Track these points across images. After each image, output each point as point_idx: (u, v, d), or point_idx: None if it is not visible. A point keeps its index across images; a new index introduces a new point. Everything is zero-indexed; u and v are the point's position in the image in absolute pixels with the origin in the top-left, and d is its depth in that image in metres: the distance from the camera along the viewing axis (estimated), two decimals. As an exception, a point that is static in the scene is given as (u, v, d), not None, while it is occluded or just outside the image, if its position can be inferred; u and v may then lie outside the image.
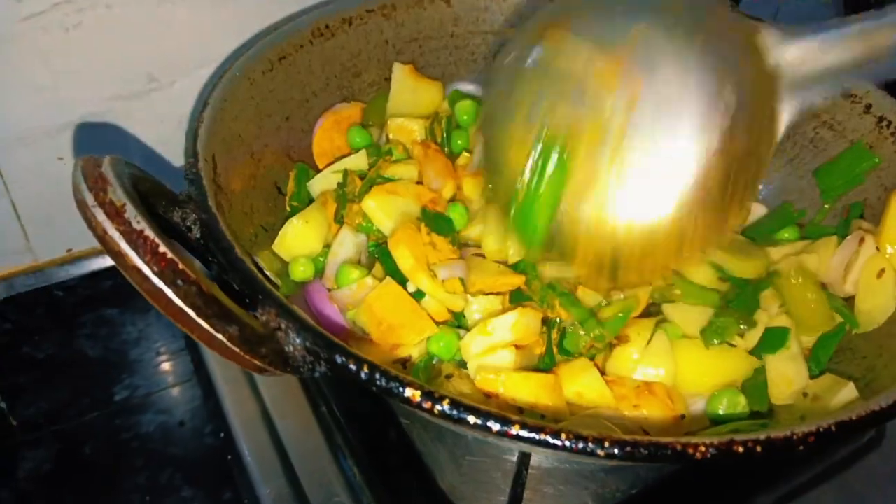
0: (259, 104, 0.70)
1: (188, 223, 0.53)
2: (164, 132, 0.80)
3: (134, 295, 0.42)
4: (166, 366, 0.92)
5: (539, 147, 0.41)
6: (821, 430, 0.43)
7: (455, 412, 0.42)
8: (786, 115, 0.45)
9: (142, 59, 0.76)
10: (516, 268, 0.64)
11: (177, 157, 0.82)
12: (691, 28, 0.40)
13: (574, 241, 0.44)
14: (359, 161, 0.71)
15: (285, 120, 0.73)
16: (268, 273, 0.55)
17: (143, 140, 0.80)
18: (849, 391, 0.55)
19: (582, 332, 0.60)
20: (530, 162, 0.42)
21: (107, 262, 0.76)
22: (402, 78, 0.80)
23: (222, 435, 0.72)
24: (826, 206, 0.75)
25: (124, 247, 0.39)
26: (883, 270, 0.64)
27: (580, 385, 0.58)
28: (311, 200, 0.71)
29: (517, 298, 0.63)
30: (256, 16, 0.78)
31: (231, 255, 0.50)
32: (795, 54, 0.43)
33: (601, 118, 0.39)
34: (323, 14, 0.77)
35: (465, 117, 0.79)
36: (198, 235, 0.53)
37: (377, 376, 0.43)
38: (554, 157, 0.41)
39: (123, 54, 0.74)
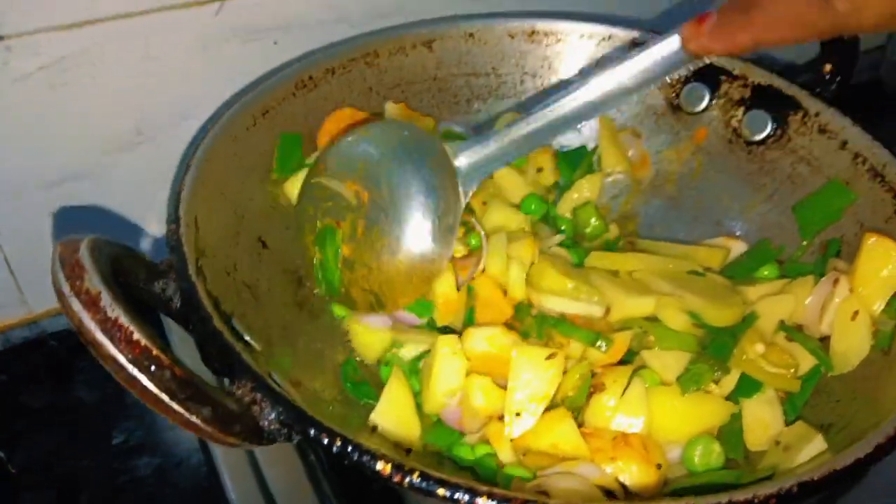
0: (242, 160, 0.71)
1: (169, 293, 0.54)
2: (152, 183, 0.81)
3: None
4: (163, 409, 0.93)
5: (319, 231, 0.69)
6: (782, 491, 0.45)
7: (424, 484, 0.44)
8: (464, 192, 0.67)
9: (128, 113, 0.77)
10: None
11: (165, 209, 0.84)
12: (399, 155, 0.67)
13: (351, 283, 0.68)
14: None
15: (268, 172, 0.75)
16: (247, 338, 0.56)
17: (131, 192, 0.82)
18: (817, 444, 0.56)
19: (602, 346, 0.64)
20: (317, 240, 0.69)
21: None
22: (395, 116, 0.82)
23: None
24: (804, 242, 0.76)
25: (99, 336, 0.41)
26: (857, 312, 0.65)
27: (556, 436, 0.59)
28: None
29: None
30: (240, 68, 0.80)
31: (209, 325, 0.51)
32: (463, 158, 0.67)
33: (351, 211, 0.67)
34: (306, 65, 0.78)
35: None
36: (178, 305, 0.54)
37: (349, 450, 0.45)
38: (329, 236, 0.68)
39: (110, 110, 0.76)
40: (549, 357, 0.59)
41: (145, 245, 0.86)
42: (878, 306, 0.65)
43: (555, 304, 0.65)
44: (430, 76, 0.86)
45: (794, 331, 0.68)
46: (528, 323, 0.64)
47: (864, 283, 0.65)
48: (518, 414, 0.59)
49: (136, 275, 0.53)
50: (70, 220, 0.80)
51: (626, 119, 0.88)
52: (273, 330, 0.66)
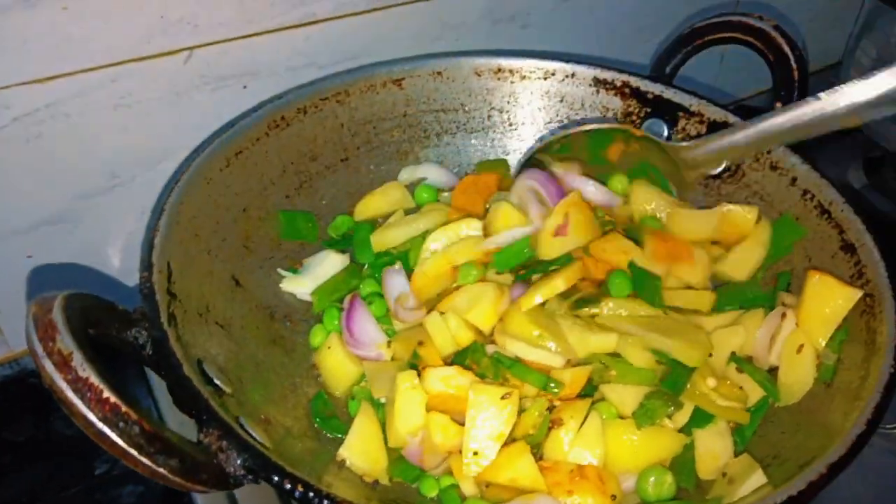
0: (216, 201, 0.74)
1: (141, 341, 0.57)
2: (127, 224, 0.84)
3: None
4: (144, 437, 0.95)
5: None
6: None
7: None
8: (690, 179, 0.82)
9: (103, 159, 0.79)
10: (465, 352, 0.68)
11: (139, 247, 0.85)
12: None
13: None
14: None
15: (242, 212, 0.77)
16: (217, 381, 0.59)
17: (107, 233, 0.83)
18: (757, 477, 0.59)
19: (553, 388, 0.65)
20: None
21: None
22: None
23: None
24: (758, 275, 0.79)
25: (70, 395, 0.43)
26: (802, 346, 0.68)
27: (515, 471, 0.61)
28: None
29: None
30: (211, 112, 0.82)
31: (178, 372, 0.54)
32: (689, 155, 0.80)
33: None
34: (277, 106, 0.81)
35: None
36: (151, 352, 0.57)
37: (310, 495, 0.48)
38: None
39: (85, 156, 0.78)
40: (505, 396, 0.62)
41: (119, 284, 0.88)
42: (822, 341, 0.68)
43: (517, 350, 0.67)
44: (400, 113, 0.89)
45: (744, 362, 0.71)
46: (485, 364, 0.66)
47: (808, 318, 0.69)
48: (476, 453, 0.62)
49: (110, 325, 0.55)
50: (48, 267, 0.82)
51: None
52: (246, 368, 0.68)
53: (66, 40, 0.71)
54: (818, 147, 0.77)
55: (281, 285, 0.79)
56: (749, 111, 0.84)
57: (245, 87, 0.83)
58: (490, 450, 0.62)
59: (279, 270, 0.80)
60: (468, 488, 0.63)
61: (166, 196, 0.69)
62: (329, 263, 0.81)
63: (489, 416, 0.62)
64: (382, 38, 0.89)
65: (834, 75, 1.22)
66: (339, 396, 0.74)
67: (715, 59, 1.19)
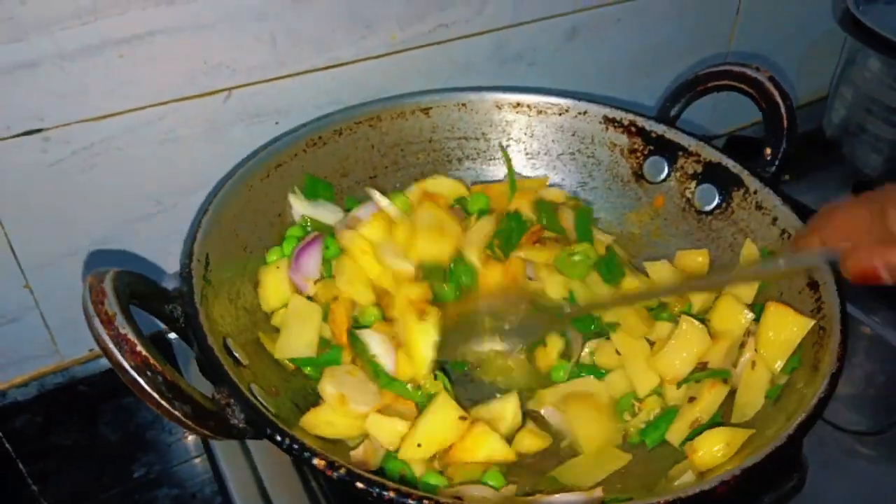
0: (256, 206, 0.85)
1: (176, 315, 0.68)
2: (167, 246, 0.93)
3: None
4: (178, 444, 1.02)
5: None
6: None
7: (349, 478, 0.56)
8: None
9: (149, 187, 0.88)
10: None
11: (176, 265, 0.93)
12: None
13: None
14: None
15: (278, 216, 0.88)
16: (237, 355, 0.70)
17: (149, 254, 0.93)
18: (688, 476, 0.66)
19: None
20: None
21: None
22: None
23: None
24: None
25: (111, 346, 0.55)
26: (758, 369, 0.75)
27: (488, 449, 0.71)
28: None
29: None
30: (246, 146, 0.91)
31: (203, 342, 0.65)
32: None
33: None
34: (316, 127, 0.92)
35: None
36: (183, 325, 0.68)
37: (295, 447, 0.58)
38: None
39: (133, 185, 0.87)
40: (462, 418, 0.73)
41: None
42: (778, 365, 0.74)
43: None
44: (426, 138, 0.99)
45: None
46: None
47: (765, 345, 0.75)
48: (420, 445, 0.71)
49: (152, 298, 0.67)
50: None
51: (598, 184, 1.00)
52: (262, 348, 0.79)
53: (121, 83, 0.80)
54: (810, 174, 0.83)
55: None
56: (741, 141, 0.92)
57: (277, 122, 0.92)
58: (433, 448, 0.71)
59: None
60: (418, 469, 0.71)
61: (211, 198, 0.80)
62: (329, 211, 0.91)
63: (443, 428, 0.72)
64: (399, 79, 0.98)
65: (821, 108, 1.30)
66: (267, 312, 0.83)
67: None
